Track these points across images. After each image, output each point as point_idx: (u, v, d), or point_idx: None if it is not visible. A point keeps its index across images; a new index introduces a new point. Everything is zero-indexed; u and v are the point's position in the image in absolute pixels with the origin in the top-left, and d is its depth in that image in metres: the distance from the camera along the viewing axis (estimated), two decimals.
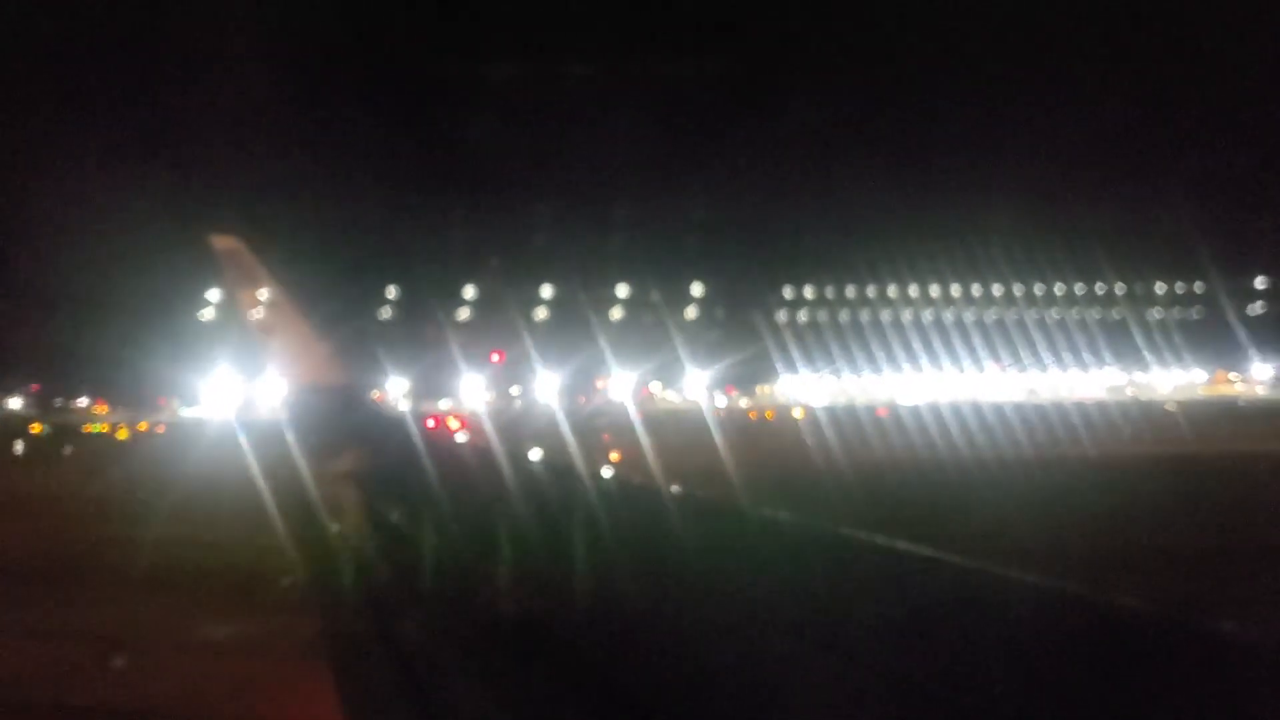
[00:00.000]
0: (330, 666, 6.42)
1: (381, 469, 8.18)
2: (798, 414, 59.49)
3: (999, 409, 49.92)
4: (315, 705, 6.75)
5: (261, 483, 15.20)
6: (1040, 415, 48.27)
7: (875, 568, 3.29)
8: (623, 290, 59.85)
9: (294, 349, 9.46)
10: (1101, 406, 58.72)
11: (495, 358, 49.68)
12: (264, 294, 9.42)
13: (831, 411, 51.32)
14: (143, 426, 64.47)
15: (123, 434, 63.06)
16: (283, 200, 41.31)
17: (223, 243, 9.72)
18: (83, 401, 69.42)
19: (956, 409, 49.55)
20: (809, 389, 63.26)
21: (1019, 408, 52.55)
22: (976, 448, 36.24)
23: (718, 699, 3.03)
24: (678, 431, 36.37)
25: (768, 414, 62.33)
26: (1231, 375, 71.52)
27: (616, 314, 59.56)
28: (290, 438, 10.17)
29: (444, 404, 52.44)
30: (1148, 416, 52.55)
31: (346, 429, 8.98)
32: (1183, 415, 54.81)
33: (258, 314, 9.41)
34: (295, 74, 39.35)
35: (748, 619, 3.23)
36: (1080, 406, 56.24)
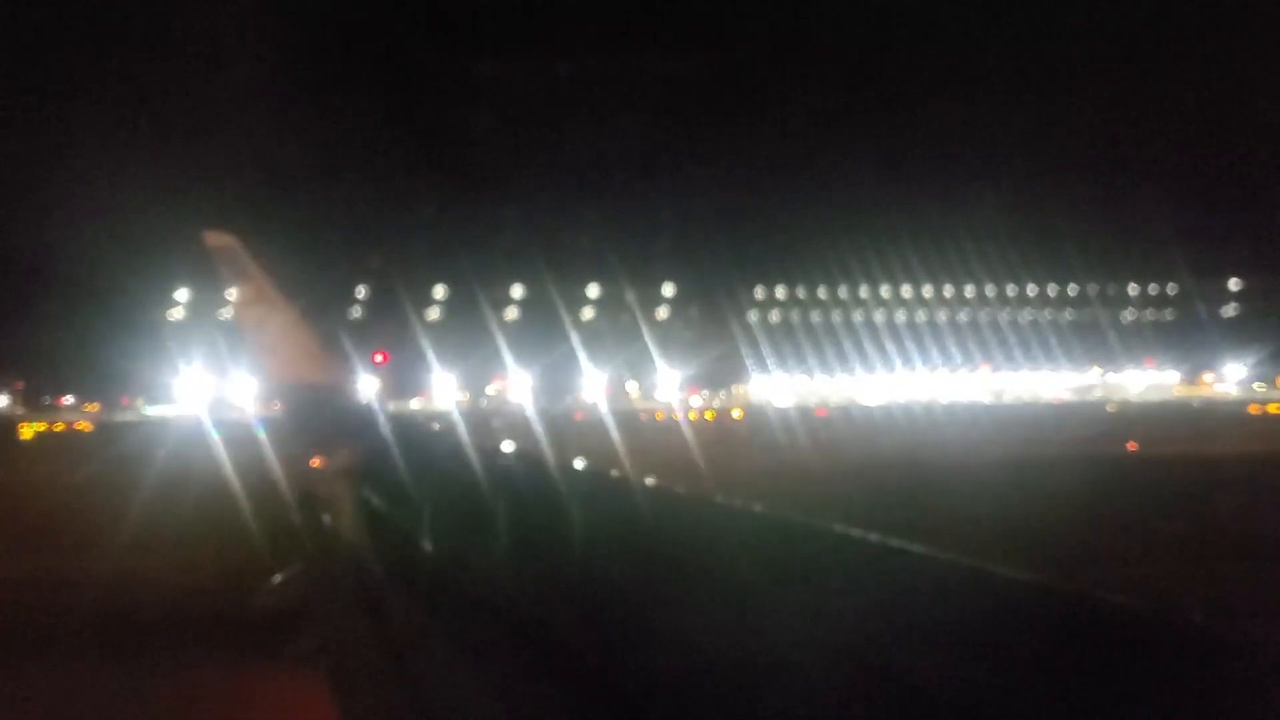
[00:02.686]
0: (328, 665, 6.54)
1: (373, 463, 8.35)
2: (736, 415, 60.12)
3: (948, 409, 50.53)
4: (312, 701, 6.90)
5: (233, 481, 15.04)
6: (979, 415, 48.78)
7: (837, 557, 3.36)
8: (593, 290, 60.07)
9: (287, 345, 9.58)
10: (1046, 408, 59.45)
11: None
12: (256, 291, 9.55)
13: (776, 412, 51.84)
14: (81, 426, 62.39)
15: (25, 433, 60.31)
16: (262, 196, 41.24)
17: (215, 239, 9.84)
18: (68, 399, 67.84)
19: (908, 409, 50.29)
20: (774, 389, 63.78)
21: (962, 408, 53.19)
22: (908, 448, 37.13)
23: (710, 691, 3.10)
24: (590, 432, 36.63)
25: (709, 415, 62.51)
26: (1208, 376, 72.33)
27: (587, 313, 59.77)
28: (279, 433, 10.26)
29: (416, 403, 52.48)
30: (1084, 419, 53.17)
31: (341, 425, 9.11)
32: (1122, 417, 55.55)
33: (249, 311, 9.53)
34: (276, 70, 39.24)
35: (734, 608, 3.29)
36: (1025, 408, 57.02)
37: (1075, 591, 2.53)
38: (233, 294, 10.15)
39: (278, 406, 11.08)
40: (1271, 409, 62.79)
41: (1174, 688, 2.10)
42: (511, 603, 4.53)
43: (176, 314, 53.21)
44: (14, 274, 48.75)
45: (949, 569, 2.87)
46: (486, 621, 4.64)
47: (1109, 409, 63.88)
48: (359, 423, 9.94)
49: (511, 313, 59.02)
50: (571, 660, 3.72)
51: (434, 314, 56.94)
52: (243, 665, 9.84)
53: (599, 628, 3.75)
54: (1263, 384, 68.34)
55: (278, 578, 9.19)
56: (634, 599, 3.71)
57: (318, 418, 9.80)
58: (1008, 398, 66.93)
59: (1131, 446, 39.24)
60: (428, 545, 6.08)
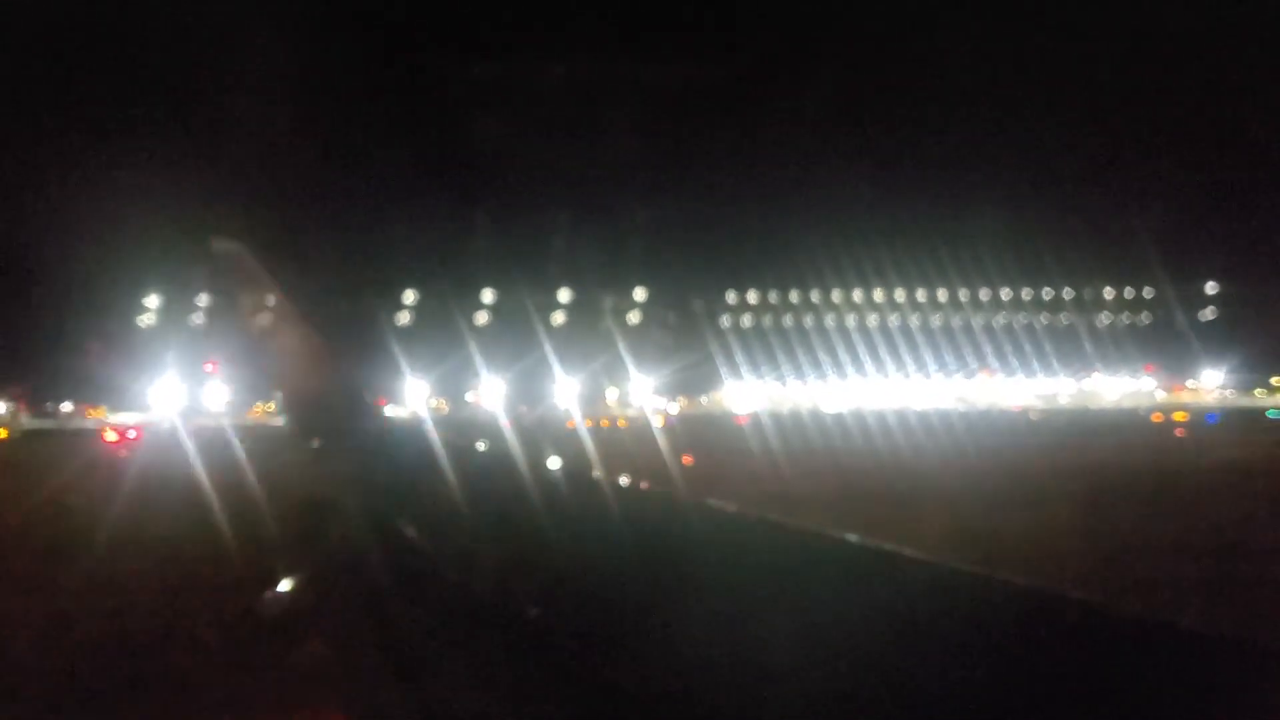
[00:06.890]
0: (333, 671, 6.55)
1: (379, 469, 8.42)
2: (657, 421, 60.33)
3: (888, 416, 50.73)
4: (317, 706, 6.94)
5: (227, 487, 14.85)
6: (893, 425, 48.77)
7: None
8: (565, 295, 60.11)
9: (294, 353, 9.64)
10: (973, 417, 59.76)
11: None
12: (265, 299, 9.62)
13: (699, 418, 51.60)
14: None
15: None
16: (242, 202, 41.01)
17: (221, 246, 9.89)
18: (67, 406, 67.23)
19: (846, 417, 50.67)
20: (740, 395, 64.09)
21: (912, 416, 53.43)
22: (813, 454, 37.00)
23: (709, 692, 3.01)
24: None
25: (620, 421, 61.96)
26: (1190, 382, 72.47)
27: (559, 319, 59.80)
28: (284, 440, 10.30)
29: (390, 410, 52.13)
30: (997, 427, 52.90)
31: (348, 432, 9.18)
32: (1043, 425, 55.38)
33: (256, 320, 9.58)
34: (259, 74, 39.06)
35: (733, 606, 3.31)
36: (976, 416, 57.29)
37: (1074, 598, 2.57)
38: (242, 303, 10.18)
39: (284, 414, 11.11)
40: (1178, 417, 62.98)
41: (1170, 692, 2.13)
42: (515, 605, 4.56)
43: (147, 320, 52.72)
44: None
45: (945, 574, 2.93)
46: (489, 624, 4.67)
47: (1031, 417, 63.63)
48: (366, 430, 10.01)
49: (483, 318, 58.98)
50: (572, 663, 3.75)
51: (407, 319, 56.81)
52: (247, 671, 9.84)
53: (599, 631, 3.79)
54: (1262, 389, 68.61)
55: (282, 584, 9.20)
56: (633, 600, 3.76)
57: (324, 425, 9.86)
58: (980, 405, 67.21)
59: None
60: (430, 548, 6.13)
